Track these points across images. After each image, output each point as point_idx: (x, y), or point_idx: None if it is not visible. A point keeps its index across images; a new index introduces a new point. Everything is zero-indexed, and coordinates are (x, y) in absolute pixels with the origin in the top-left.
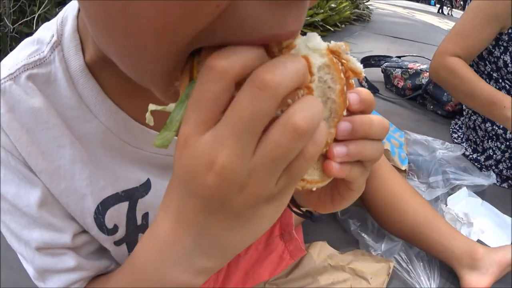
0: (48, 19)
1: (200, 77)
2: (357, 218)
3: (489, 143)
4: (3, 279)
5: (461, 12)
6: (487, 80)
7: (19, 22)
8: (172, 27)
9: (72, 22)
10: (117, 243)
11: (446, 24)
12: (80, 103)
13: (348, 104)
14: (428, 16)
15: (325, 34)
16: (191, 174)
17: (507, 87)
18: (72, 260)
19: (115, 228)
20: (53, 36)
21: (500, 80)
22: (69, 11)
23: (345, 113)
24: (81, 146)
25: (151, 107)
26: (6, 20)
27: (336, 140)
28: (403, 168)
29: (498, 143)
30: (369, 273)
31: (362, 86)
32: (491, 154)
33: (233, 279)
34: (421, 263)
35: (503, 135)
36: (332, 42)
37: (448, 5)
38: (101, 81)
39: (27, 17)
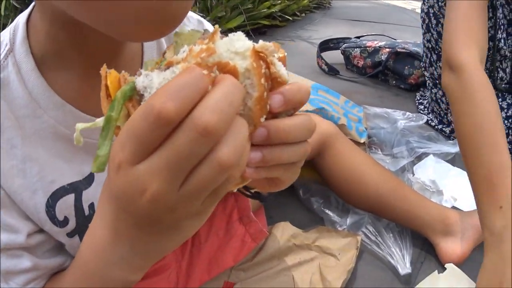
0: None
1: (141, 113)
2: (320, 196)
3: (451, 116)
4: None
5: None
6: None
7: None
8: None
9: (22, 29)
10: (70, 234)
11: (410, 4)
12: (31, 100)
13: (269, 108)
14: None
15: (284, 25)
16: (126, 197)
17: None
18: (28, 261)
19: (66, 220)
20: (6, 45)
21: None
22: (20, 19)
23: (263, 119)
24: (30, 144)
25: (79, 126)
26: None
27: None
28: (362, 141)
29: None
30: (337, 249)
31: (322, 69)
32: None
33: (197, 268)
34: (391, 234)
35: None
36: (260, 41)
37: None
38: (49, 79)
39: None
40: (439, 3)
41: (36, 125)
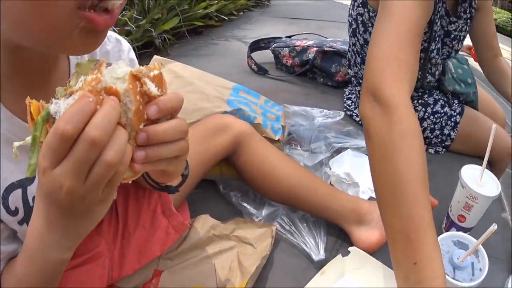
0: None
1: (52, 133)
2: (238, 190)
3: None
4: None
5: None
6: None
7: None
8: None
9: None
10: (20, 222)
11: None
12: None
13: (147, 116)
14: None
15: (220, 24)
16: (50, 192)
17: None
18: None
19: (16, 210)
20: None
21: None
22: None
23: (141, 126)
24: None
25: (16, 144)
26: None
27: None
28: (276, 138)
29: None
30: (253, 238)
31: (251, 68)
32: None
33: (128, 257)
34: (305, 224)
35: None
36: (136, 66)
37: None
38: (2, 95)
39: None
40: (370, 13)
41: None
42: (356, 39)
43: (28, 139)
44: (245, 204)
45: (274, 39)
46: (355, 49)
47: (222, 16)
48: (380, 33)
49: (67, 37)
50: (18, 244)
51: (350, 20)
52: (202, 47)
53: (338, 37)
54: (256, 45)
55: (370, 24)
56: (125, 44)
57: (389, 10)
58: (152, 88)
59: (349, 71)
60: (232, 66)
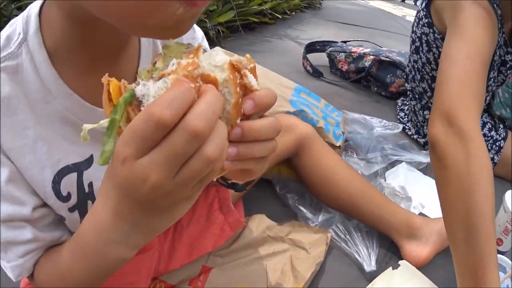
0: (4, 15)
1: (143, 118)
2: (295, 193)
3: (427, 129)
4: (3, 280)
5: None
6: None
7: None
8: None
9: (35, 20)
10: (71, 209)
11: (401, 11)
12: (43, 87)
13: (243, 111)
14: (383, 3)
15: (274, 22)
16: (129, 184)
17: None
18: (30, 233)
19: (69, 196)
20: (19, 34)
21: None
22: (32, 10)
23: (238, 121)
24: (41, 126)
25: (87, 127)
26: None
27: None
28: (338, 144)
29: None
30: (308, 243)
31: (306, 70)
32: None
33: (178, 251)
34: (359, 234)
35: None
36: (235, 56)
37: None
38: (59, 70)
39: None
40: (435, 35)
41: (47, 109)
42: (418, 56)
43: (104, 122)
44: (301, 208)
45: (329, 42)
46: (416, 66)
47: (276, 14)
48: (453, 59)
49: (165, 22)
50: (63, 232)
51: (414, 37)
52: (256, 43)
53: (389, 47)
54: (312, 47)
55: (434, 45)
56: (199, 32)
57: (461, 36)
58: (253, 82)
59: (406, 84)
60: (286, 65)
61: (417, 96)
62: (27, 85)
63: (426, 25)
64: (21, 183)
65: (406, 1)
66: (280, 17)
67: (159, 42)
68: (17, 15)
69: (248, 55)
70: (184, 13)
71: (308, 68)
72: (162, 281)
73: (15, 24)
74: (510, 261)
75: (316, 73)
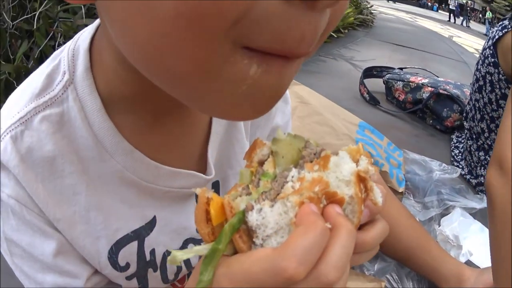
0: (49, 17)
1: (269, 271)
2: None
3: (481, 170)
4: (3, 280)
5: (477, 24)
6: None
7: (19, 19)
8: (192, 11)
9: (84, 57)
10: (128, 278)
11: (448, 31)
12: (97, 143)
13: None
14: (430, 22)
15: (329, 41)
16: None
17: None
18: None
19: (127, 265)
20: (64, 73)
21: None
22: (80, 43)
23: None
24: (95, 190)
25: (180, 257)
26: (5, 16)
27: None
28: (400, 190)
29: None
30: None
31: (363, 96)
32: (482, 181)
33: None
34: (411, 283)
35: None
36: (361, 161)
37: (465, 17)
38: (115, 120)
39: (27, 14)
40: (500, 75)
41: (102, 169)
42: (480, 96)
43: (200, 248)
44: None
45: (387, 68)
46: (477, 105)
47: (331, 33)
48: None
49: (234, 87)
50: None
51: (478, 76)
52: (310, 62)
53: (442, 75)
54: (369, 72)
55: (498, 86)
56: (290, 102)
57: None
58: (379, 199)
59: (465, 123)
60: (342, 89)
61: (474, 136)
62: (76, 140)
63: (491, 64)
64: (72, 255)
65: (451, 21)
66: (335, 35)
67: None
68: (63, 19)
69: (371, 159)
70: (262, 74)
71: (365, 95)
72: None
73: (59, 58)
74: None
75: (372, 100)
